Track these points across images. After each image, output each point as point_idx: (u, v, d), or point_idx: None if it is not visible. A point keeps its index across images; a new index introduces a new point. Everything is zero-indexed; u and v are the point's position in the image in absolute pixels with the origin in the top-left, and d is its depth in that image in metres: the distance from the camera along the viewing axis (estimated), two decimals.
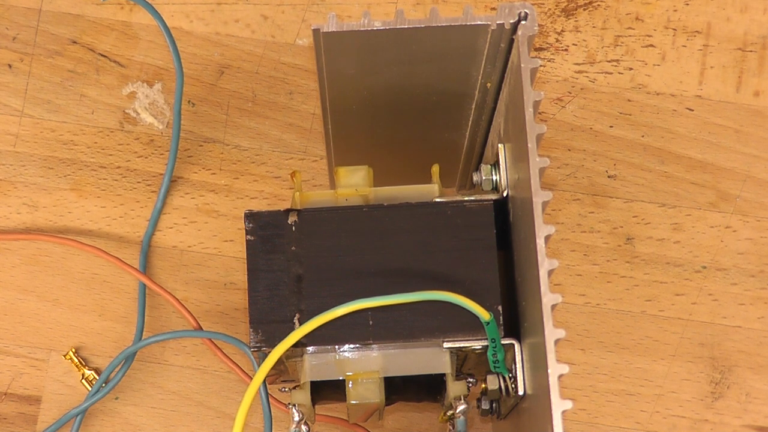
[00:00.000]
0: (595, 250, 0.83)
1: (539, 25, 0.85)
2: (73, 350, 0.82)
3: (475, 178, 0.68)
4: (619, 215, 0.83)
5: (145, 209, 0.84)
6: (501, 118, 0.68)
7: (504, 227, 0.66)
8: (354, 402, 0.66)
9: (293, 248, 0.66)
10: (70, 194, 0.84)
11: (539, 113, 0.84)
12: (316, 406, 0.69)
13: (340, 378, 0.66)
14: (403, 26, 0.62)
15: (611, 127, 0.85)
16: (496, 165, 0.68)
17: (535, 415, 0.62)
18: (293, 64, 0.85)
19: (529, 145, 0.60)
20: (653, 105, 0.85)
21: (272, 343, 0.64)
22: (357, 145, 0.74)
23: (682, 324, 0.82)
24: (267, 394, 0.71)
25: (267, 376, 0.64)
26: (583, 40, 0.85)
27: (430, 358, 0.66)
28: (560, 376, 0.57)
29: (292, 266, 0.66)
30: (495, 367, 0.65)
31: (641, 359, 0.82)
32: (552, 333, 0.58)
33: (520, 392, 0.64)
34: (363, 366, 0.66)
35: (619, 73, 0.85)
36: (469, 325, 0.65)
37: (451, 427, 0.67)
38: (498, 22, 0.62)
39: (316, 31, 0.62)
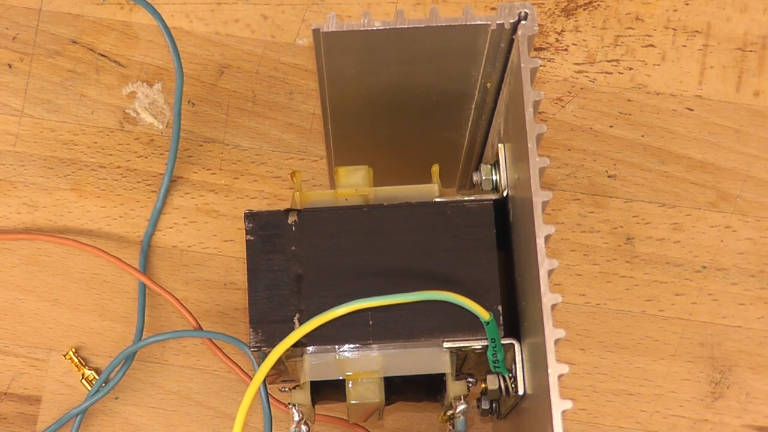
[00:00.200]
0: (595, 250, 0.83)
1: (539, 25, 0.85)
2: (73, 350, 0.82)
3: (475, 178, 0.68)
4: (619, 215, 0.83)
5: (145, 209, 0.84)
6: (501, 118, 0.68)
7: (504, 227, 0.66)
8: (354, 402, 0.66)
9: (293, 248, 0.66)
10: (70, 194, 0.84)
11: (539, 113, 0.84)
12: (316, 406, 0.69)
13: (340, 378, 0.66)
14: (403, 26, 0.62)
15: (611, 127, 0.85)
16: (496, 165, 0.68)
17: (535, 415, 0.62)
18: (293, 64, 0.85)
19: (529, 145, 0.60)
20: (653, 105, 0.85)
21: (272, 343, 0.64)
22: (357, 145, 0.74)
23: (682, 324, 0.82)
24: (267, 394, 0.71)
25: (267, 376, 0.64)
26: (583, 40, 0.85)
27: (430, 358, 0.66)
28: (560, 376, 0.57)
29: (292, 266, 0.66)
30: (495, 367, 0.65)
31: (641, 359, 0.82)
32: (552, 333, 0.58)
33: (520, 392, 0.64)
34: (363, 366, 0.66)
35: (619, 73, 0.85)
36: (469, 325, 0.65)
37: (451, 427, 0.67)
38: (498, 22, 0.62)
39: (316, 31, 0.62)
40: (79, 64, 0.85)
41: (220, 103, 0.85)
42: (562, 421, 0.57)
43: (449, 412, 0.67)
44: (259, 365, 0.64)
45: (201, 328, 0.79)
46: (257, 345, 0.65)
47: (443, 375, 0.66)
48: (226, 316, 0.82)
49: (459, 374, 0.67)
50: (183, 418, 0.81)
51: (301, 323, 0.65)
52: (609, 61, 0.85)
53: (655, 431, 0.81)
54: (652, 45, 0.85)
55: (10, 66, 0.85)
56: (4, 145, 0.84)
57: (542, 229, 0.59)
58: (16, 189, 0.84)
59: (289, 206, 0.68)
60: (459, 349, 0.65)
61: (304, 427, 0.65)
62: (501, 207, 0.67)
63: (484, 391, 0.69)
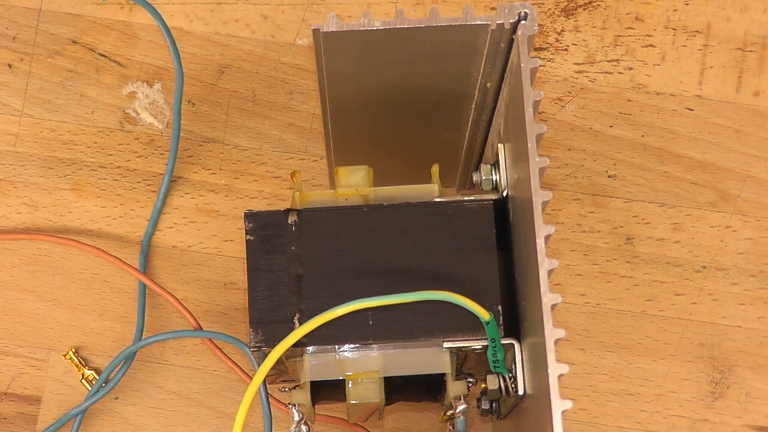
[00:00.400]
0: (595, 250, 0.83)
1: (539, 25, 0.85)
2: (73, 350, 0.82)
3: (475, 178, 0.68)
4: (619, 215, 0.83)
5: (145, 209, 0.84)
6: (501, 118, 0.68)
7: (504, 227, 0.66)
8: (354, 402, 0.66)
9: (293, 248, 0.66)
10: (70, 194, 0.84)
11: (539, 113, 0.84)
12: (316, 406, 0.69)
13: (340, 378, 0.66)
14: (403, 26, 0.62)
15: (611, 127, 0.85)
16: (496, 165, 0.68)
17: (535, 415, 0.62)
18: (293, 64, 0.85)
19: (529, 145, 0.60)
20: (653, 105, 0.85)
21: (272, 343, 0.64)
22: (357, 145, 0.74)
23: (682, 324, 0.82)
24: (267, 394, 0.71)
25: (267, 376, 0.64)
26: (583, 40, 0.85)
27: (430, 358, 0.66)
28: (560, 376, 0.57)
29: (292, 266, 0.66)
30: (495, 367, 0.65)
31: (641, 359, 0.82)
32: (552, 333, 0.58)
33: (520, 392, 0.64)
34: (363, 366, 0.66)
35: (619, 73, 0.85)
36: (469, 325, 0.65)
37: (451, 427, 0.67)
38: (498, 21, 0.62)
39: (316, 31, 0.62)
40: (79, 64, 0.85)
41: (220, 103, 0.85)
42: (562, 421, 0.57)
43: (449, 412, 0.67)
44: (259, 365, 0.64)
45: (201, 328, 0.79)
46: (257, 345, 0.65)
47: (443, 375, 0.66)
48: (226, 316, 0.82)
49: (459, 374, 0.67)
50: (183, 418, 0.81)
51: (301, 323, 0.65)
52: (609, 61, 0.85)
53: (655, 431, 0.81)
54: (652, 45, 0.85)
55: (10, 66, 0.85)
56: (4, 145, 0.84)
57: (542, 229, 0.59)
58: (16, 189, 0.84)
59: (289, 206, 0.68)
60: (459, 349, 0.65)
61: (304, 427, 0.65)
62: (501, 207, 0.67)
63: (484, 391, 0.69)
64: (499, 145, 0.67)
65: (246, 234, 0.66)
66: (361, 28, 0.62)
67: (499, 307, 0.65)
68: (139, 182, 0.84)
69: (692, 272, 0.83)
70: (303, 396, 0.66)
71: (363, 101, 0.69)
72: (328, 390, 0.67)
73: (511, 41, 0.63)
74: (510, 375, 0.65)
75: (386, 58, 0.65)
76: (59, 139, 0.84)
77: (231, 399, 0.82)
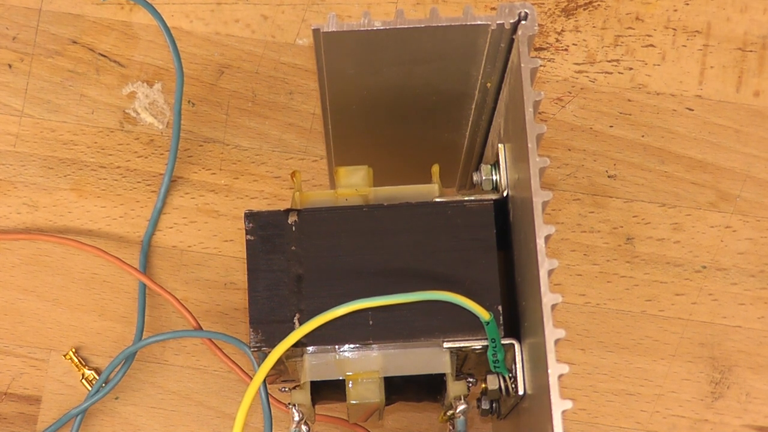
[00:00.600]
0: (595, 250, 0.83)
1: (539, 25, 0.85)
2: (73, 350, 0.82)
3: (475, 178, 0.68)
4: (619, 215, 0.83)
5: (145, 209, 0.84)
6: (501, 118, 0.68)
7: (504, 227, 0.66)
8: (354, 402, 0.66)
9: (293, 248, 0.66)
10: (70, 194, 0.84)
11: (539, 113, 0.84)
12: (316, 406, 0.69)
13: (340, 378, 0.66)
14: (403, 26, 0.62)
15: (611, 127, 0.85)
16: (496, 165, 0.68)
17: (535, 415, 0.62)
18: (293, 64, 0.85)
19: (529, 145, 0.60)
20: (653, 105, 0.85)
21: (272, 343, 0.64)
22: (357, 145, 0.74)
23: (682, 324, 0.82)
24: (267, 394, 0.71)
25: (267, 376, 0.64)
26: (583, 40, 0.85)
27: (430, 358, 0.66)
28: (560, 376, 0.57)
29: (292, 266, 0.66)
30: (495, 367, 0.65)
31: (641, 359, 0.82)
32: (552, 333, 0.58)
33: (520, 392, 0.64)
34: (363, 366, 0.66)
35: (619, 73, 0.85)
36: (469, 325, 0.65)
37: (451, 427, 0.67)
38: (498, 22, 0.62)
39: (316, 31, 0.62)
40: (79, 64, 0.85)
41: (220, 103, 0.85)
42: (562, 421, 0.57)
43: (449, 412, 0.67)
44: (259, 365, 0.64)
45: (201, 328, 0.79)
46: (257, 345, 0.65)
47: (443, 375, 0.66)
48: (226, 316, 0.82)
49: (459, 374, 0.67)
50: (183, 418, 0.81)
51: (301, 323, 0.65)
52: (609, 61, 0.85)
53: (655, 431, 0.81)
54: (652, 45, 0.85)
55: (10, 66, 0.85)
56: (4, 145, 0.84)
57: (542, 229, 0.59)
58: (16, 189, 0.84)
59: (289, 206, 0.68)
60: (459, 349, 0.65)
61: (304, 427, 0.65)
62: (501, 207, 0.67)
63: (484, 391, 0.69)
64: (500, 145, 0.67)
65: (246, 234, 0.66)
66: (361, 28, 0.62)
67: (499, 307, 0.65)
68: (139, 182, 0.84)
69: (692, 272, 0.83)
70: (303, 396, 0.66)
71: (363, 101, 0.69)
72: (328, 390, 0.67)
73: (512, 41, 0.63)
74: (510, 375, 0.65)
75: (386, 58, 0.65)
76: (59, 139, 0.84)
77: (231, 399, 0.82)
